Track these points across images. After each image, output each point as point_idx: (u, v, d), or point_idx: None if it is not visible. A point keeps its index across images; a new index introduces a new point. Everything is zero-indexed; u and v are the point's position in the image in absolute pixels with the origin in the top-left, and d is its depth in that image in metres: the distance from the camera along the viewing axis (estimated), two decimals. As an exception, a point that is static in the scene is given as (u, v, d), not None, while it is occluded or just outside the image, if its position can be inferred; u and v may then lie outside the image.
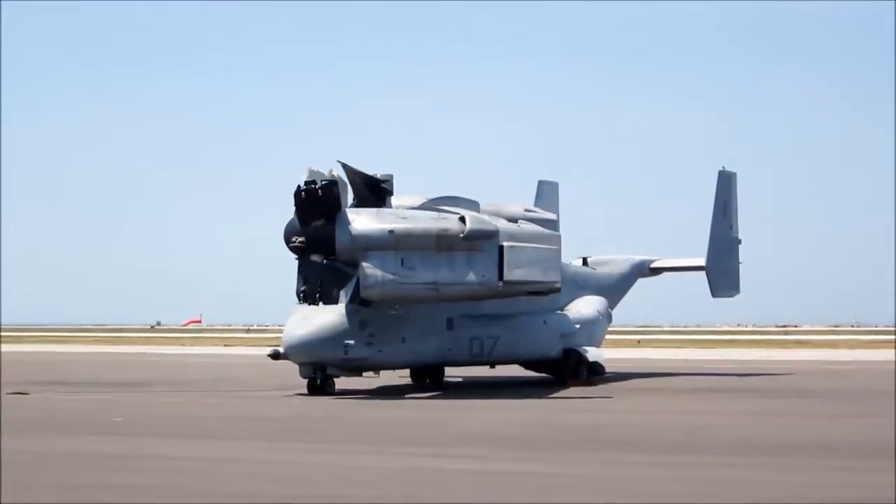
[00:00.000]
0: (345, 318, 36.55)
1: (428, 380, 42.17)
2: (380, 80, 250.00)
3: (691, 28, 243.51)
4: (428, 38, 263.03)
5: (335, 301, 36.58)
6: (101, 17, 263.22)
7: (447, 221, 37.23)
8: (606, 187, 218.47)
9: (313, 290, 36.44)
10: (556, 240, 39.41)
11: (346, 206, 37.55)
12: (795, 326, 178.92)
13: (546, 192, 52.29)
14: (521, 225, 39.10)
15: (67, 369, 53.89)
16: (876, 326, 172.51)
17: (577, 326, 44.09)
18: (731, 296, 49.33)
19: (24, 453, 21.18)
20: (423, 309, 38.35)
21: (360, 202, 38.04)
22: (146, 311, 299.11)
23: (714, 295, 48.38)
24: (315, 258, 36.38)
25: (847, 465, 19.58)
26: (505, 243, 37.56)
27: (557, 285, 39.53)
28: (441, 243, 36.83)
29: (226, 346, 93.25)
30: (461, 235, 36.95)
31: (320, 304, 36.66)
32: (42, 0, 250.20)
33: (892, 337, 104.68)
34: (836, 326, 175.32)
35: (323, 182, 35.93)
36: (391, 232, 36.24)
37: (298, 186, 35.93)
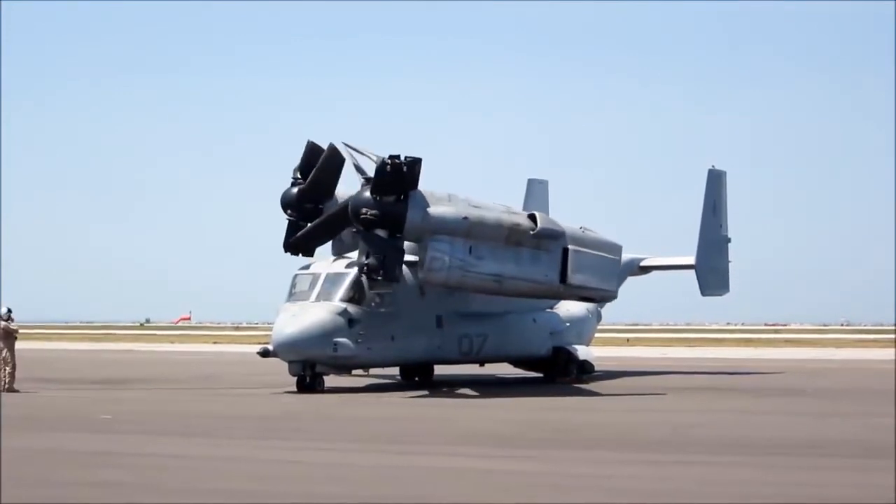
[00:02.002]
0: (334, 316, 36.48)
1: (417, 378, 42.14)
2: (367, 77, 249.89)
3: (681, 26, 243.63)
4: (414, 36, 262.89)
5: (396, 279, 36.29)
6: (86, 15, 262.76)
7: (519, 217, 37.34)
8: (596, 185, 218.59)
9: (378, 265, 35.65)
10: (618, 250, 39.68)
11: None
12: (784, 325, 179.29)
13: (536, 191, 52.34)
14: (585, 231, 39.06)
15: (55, 366, 53.75)
16: (864, 325, 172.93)
17: (567, 325, 44.09)
18: (721, 294, 49.34)
19: (10, 451, 21.07)
20: (412, 306, 38.29)
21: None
22: (135, 309, 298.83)
23: (703, 293, 48.37)
24: (380, 233, 35.83)
25: (839, 464, 19.54)
26: (570, 246, 37.62)
27: (615, 294, 39.60)
28: (511, 237, 36.81)
29: (215, 343, 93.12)
30: (531, 233, 36.95)
31: (380, 279, 36.14)
32: (41, 0, 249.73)
33: (882, 336, 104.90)
34: (824, 325, 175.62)
35: (408, 158, 35.50)
36: (465, 219, 36.03)
37: (383, 159, 35.44)
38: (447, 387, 39.54)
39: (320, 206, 39.90)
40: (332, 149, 38.87)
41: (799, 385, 40.48)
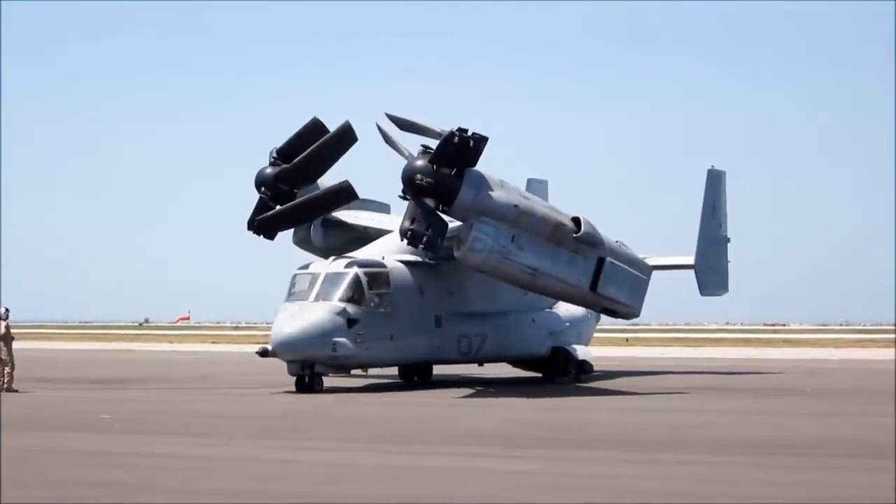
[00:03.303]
0: (333, 316, 36.45)
1: (416, 378, 42.12)
2: (367, 77, 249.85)
3: (681, 26, 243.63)
4: (414, 36, 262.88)
5: (437, 251, 36.17)
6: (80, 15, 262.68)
7: (563, 217, 37.12)
8: (596, 185, 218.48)
9: (422, 232, 35.38)
10: (649, 271, 39.61)
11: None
12: (783, 325, 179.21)
13: (535, 191, 52.19)
14: (621, 246, 38.97)
15: (53, 366, 53.71)
16: (863, 325, 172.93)
17: (566, 325, 44.05)
18: (720, 294, 49.20)
19: (10, 451, 21.05)
20: (411, 306, 38.28)
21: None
22: (134, 308, 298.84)
23: (702, 293, 48.21)
24: (429, 202, 35.60)
25: (839, 464, 19.52)
26: (607, 257, 37.60)
27: (638, 313, 39.70)
28: (553, 235, 36.64)
29: (214, 343, 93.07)
30: (574, 235, 36.79)
31: (421, 247, 36.04)
32: (40, 0, 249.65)
33: (881, 336, 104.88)
34: (823, 325, 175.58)
35: (475, 134, 35.26)
36: (516, 206, 35.86)
37: (452, 132, 35.15)
38: (446, 387, 39.52)
39: (296, 191, 39.75)
40: (347, 127, 38.58)
41: (798, 385, 40.45)
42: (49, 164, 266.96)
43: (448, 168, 35.33)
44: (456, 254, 35.98)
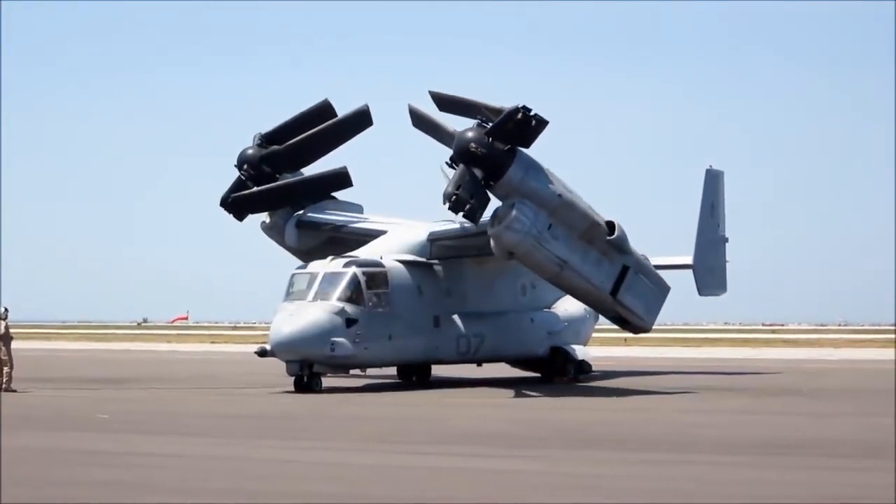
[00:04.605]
0: (332, 316, 36.43)
1: (415, 378, 42.08)
2: (367, 77, 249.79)
3: (681, 26, 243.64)
4: (414, 36, 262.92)
5: (476, 221, 36.15)
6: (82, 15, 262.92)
7: (599, 218, 37.12)
8: (594, 185, 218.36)
9: (465, 199, 35.20)
10: (667, 291, 39.55)
11: None
12: (782, 325, 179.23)
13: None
14: (646, 259, 39.02)
15: (51, 366, 53.65)
16: (861, 325, 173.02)
17: (565, 324, 43.97)
18: (718, 294, 49.23)
19: (9, 450, 21.01)
20: (409, 306, 38.25)
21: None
22: (133, 308, 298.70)
23: (701, 293, 48.25)
24: (476, 172, 35.42)
25: (839, 464, 19.51)
26: (631, 266, 37.61)
27: (650, 328, 39.93)
28: (587, 233, 36.70)
29: (212, 343, 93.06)
30: (607, 237, 36.85)
31: (462, 215, 35.87)
32: (41, 0, 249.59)
33: (879, 336, 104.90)
34: (821, 325, 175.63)
35: (538, 116, 35.15)
36: (559, 196, 35.89)
37: (517, 107, 35.11)
38: (444, 387, 39.50)
39: (278, 175, 39.67)
40: (365, 109, 38.30)
41: (797, 385, 40.44)
42: (47, 163, 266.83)
43: (502, 143, 35.34)
44: (490, 231, 35.95)
